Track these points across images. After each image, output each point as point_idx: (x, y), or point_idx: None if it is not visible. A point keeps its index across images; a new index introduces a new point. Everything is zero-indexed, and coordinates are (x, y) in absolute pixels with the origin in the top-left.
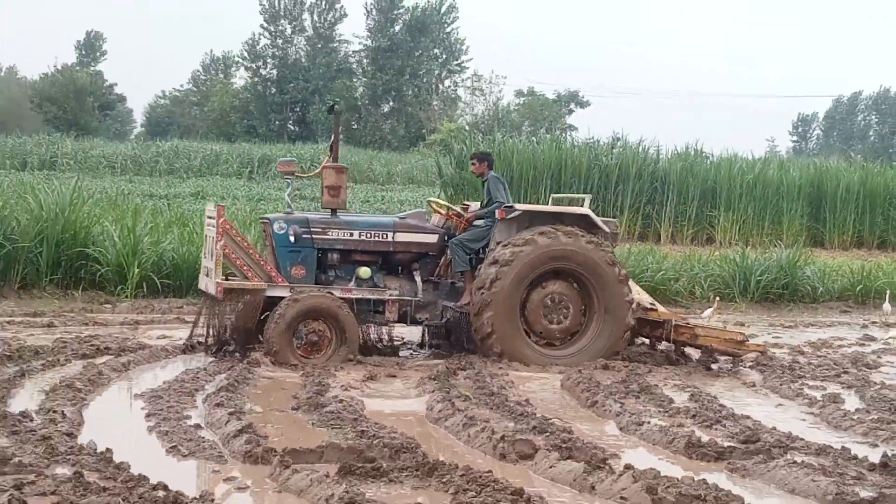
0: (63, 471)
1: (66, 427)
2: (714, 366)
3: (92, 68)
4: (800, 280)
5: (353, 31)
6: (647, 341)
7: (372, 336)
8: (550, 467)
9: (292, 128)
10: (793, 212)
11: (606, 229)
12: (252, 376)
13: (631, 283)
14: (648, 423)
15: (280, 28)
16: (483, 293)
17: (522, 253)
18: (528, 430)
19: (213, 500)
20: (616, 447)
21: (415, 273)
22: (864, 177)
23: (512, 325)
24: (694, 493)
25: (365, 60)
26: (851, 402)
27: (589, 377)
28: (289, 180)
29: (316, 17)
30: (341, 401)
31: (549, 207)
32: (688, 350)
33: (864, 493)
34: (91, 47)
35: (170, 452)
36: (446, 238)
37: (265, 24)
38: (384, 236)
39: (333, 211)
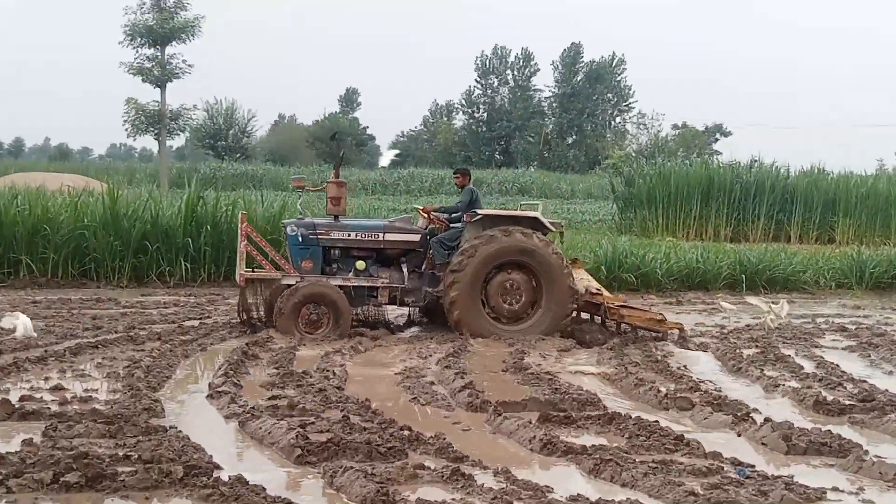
0: (334, 414)
1: (336, 382)
2: (829, 340)
3: (350, 115)
4: None
5: (545, 81)
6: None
7: (362, 314)
8: (704, 418)
9: (498, 157)
10: None
11: (553, 229)
12: (470, 346)
13: (581, 272)
14: (783, 385)
15: (489, 81)
16: (452, 274)
17: (484, 245)
18: (686, 389)
19: (444, 438)
20: (757, 404)
21: (402, 265)
22: None
23: (472, 301)
24: (821, 441)
25: (554, 104)
26: None
27: (734, 349)
28: (301, 192)
29: (516, 72)
30: (539, 365)
31: (506, 211)
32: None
33: None
34: (349, 100)
35: (412, 401)
36: (428, 237)
37: (478, 79)
38: (376, 236)
39: (336, 217)
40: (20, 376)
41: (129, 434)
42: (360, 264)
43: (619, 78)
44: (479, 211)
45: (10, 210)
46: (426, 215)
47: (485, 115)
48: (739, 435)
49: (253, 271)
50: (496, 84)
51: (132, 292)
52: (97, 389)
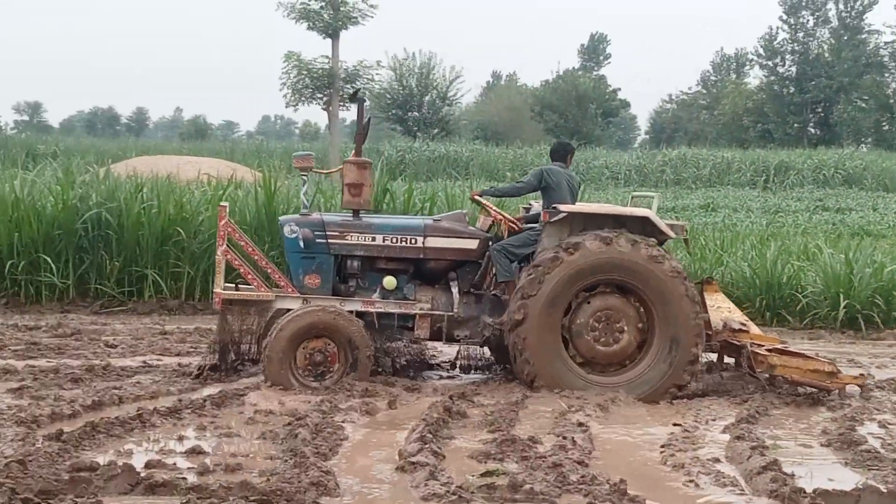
0: (576, 501)
1: (578, 453)
2: None
3: (595, 73)
4: None
5: (884, 19)
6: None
7: (390, 354)
8: None
9: (813, 131)
10: None
11: (672, 234)
12: (773, 407)
13: (718, 297)
14: None
15: (801, 20)
16: (517, 306)
17: (566, 260)
18: None
19: None
20: None
21: (451, 284)
22: None
23: (550, 345)
24: None
25: None
26: None
27: None
28: (305, 178)
29: (842, 6)
30: (878, 437)
31: (602, 208)
32: None
33: None
34: (594, 51)
35: (687, 485)
36: (491, 242)
37: (784, 17)
38: (413, 241)
39: (356, 212)
40: (146, 434)
41: None
42: (390, 281)
43: None
44: (560, 207)
45: (133, 207)
46: (484, 206)
47: (794, 69)
48: None
49: (237, 289)
50: (811, 24)
51: None
52: (248, 455)
